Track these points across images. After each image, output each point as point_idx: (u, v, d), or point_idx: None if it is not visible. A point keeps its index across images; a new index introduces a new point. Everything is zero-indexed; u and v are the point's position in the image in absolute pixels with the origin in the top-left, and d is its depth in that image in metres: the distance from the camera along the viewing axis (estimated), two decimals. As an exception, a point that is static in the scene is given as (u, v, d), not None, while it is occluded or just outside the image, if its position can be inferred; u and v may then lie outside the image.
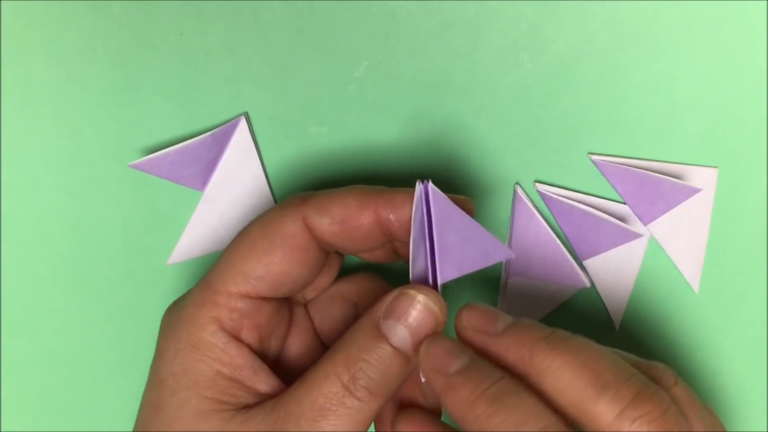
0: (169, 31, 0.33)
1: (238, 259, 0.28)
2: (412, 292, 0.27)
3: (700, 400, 0.27)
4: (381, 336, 0.26)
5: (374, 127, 0.34)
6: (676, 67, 0.33)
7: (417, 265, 0.28)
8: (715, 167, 0.34)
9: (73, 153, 0.34)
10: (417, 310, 0.26)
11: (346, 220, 0.28)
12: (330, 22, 0.33)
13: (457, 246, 0.27)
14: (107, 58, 0.33)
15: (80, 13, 0.33)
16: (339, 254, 0.32)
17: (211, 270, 0.29)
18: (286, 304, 0.31)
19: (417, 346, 0.26)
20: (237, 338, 0.28)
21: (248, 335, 0.29)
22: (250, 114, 0.34)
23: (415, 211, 0.27)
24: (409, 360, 0.26)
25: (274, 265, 0.28)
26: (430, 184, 0.27)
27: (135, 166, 0.32)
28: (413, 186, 0.34)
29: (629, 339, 0.35)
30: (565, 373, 0.24)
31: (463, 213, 0.27)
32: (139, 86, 0.33)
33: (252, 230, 0.29)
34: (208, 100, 0.34)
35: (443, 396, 0.26)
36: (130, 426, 0.37)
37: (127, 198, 0.34)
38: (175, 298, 0.36)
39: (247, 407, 0.27)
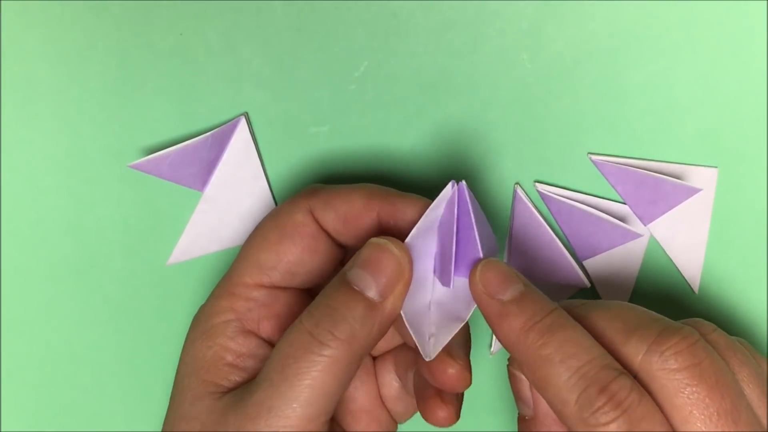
0: (169, 31, 0.33)
1: (252, 251, 0.29)
2: (374, 239, 0.27)
3: (741, 345, 0.27)
4: (345, 282, 0.27)
5: (374, 127, 0.34)
6: (676, 67, 0.33)
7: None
8: (715, 167, 0.34)
9: (73, 153, 0.34)
10: (376, 252, 0.27)
11: (349, 217, 0.29)
12: (330, 22, 0.33)
13: (485, 242, 0.28)
14: (107, 58, 0.33)
15: (80, 13, 0.33)
16: None
17: (231, 265, 0.30)
18: (307, 297, 0.31)
19: (383, 291, 0.26)
20: (252, 330, 0.29)
21: (268, 326, 0.29)
22: (250, 114, 0.34)
23: (443, 210, 0.28)
24: (375, 305, 0.26)
25: (286, 254, 0.29)
26: (465, 184, 0.27)
27: (135, 167, 0.32)
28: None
29: (629, 339, 0.35)
30: (597, 326, 0.26)
31: (483, 216, 0.28)
32: (139, 86, 0.33)
33: (265, 223, 0.30)
34: (208, 100, 0.34)
35: (496, 322, 0.27)
36: (130, 426, 0.37)
37: (127, 198, 0.34)
38: (174, 298, 0.36)
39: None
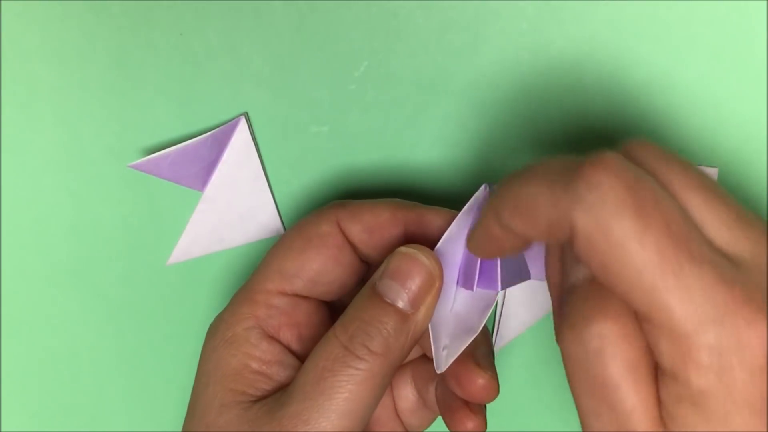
0: (169, 31, 0.33)
1: (275, 258, 0.29)
2: (403, 248, 0.27)
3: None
4: (376, 294, 0.27)
5: (374, 127, 0.34)
6: (676, 67, 0.33)
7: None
8: (715, 167, 0.34)
9: (73, 153, 0.34)
10: (406, 262, 0.27)
11: (375, 229, 0.29)
12: (330, 22, 0.33)
13: (508, 258, 0.28)
14: (107, 58, 0.33)
15: (80, 13, 0.33)
16: None
17: (252, 273, 0.30)
18: (327, 308, 0.31)
19: (414, 302, 0.26)
20: (273, 337, 0.29)
21: (287, 333, 0.29)
22: (250, 114, 0.34)
23: (474, 213, 0.28)
24: (407, 316, 0.26)
25: (310, 262, 0.29)
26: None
27: (135, 167, 0.32)
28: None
29: (629, 339, 0.35)
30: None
31: None
32: (139, 86, 0.33)
33: (290, 232, 0.30)
34: (208, 100, 0.34)
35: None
36: (130, 426, 0.37)
37: (127, 198, 0.34)
38: (175, 298, 0.36)
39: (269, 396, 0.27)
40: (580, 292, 0.23)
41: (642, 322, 0.21)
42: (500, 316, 0.35)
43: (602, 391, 0.21)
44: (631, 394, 0.21)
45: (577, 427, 0.36)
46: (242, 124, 0.33)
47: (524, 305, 0.35)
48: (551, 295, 0.26)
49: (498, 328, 0.35)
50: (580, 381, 0.22)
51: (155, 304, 0.36)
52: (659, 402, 0.21)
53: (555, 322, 0.26)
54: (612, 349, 0.21)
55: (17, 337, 0.36)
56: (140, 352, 0.36)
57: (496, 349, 0.35)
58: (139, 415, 0.37)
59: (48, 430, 0.37)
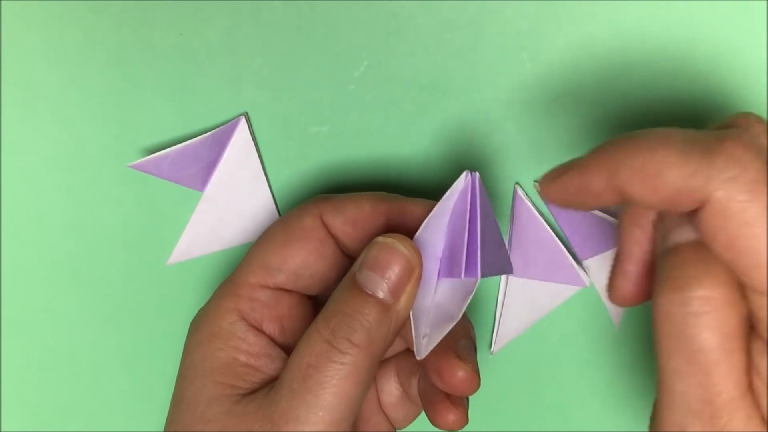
0: (169, 31, 0.33)
1: (258, 252, 0.29)
2: (380, 238, 0.27)
3: None
4: (355, 285, 0.27)
5: (374, 127, 0.34)
6: (676, 67, 0.33)
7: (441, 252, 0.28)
8: (715, 167, 0.34)
9: (73, 153, 0.34)
10: (384, 252, 0.27)
11: (358, 221, 0.29)
12: (330, 22, 0.33)
13: (488, 247, 0.27)
14: (107, 58, 0.33)
15: (80, 13, 0.33)
16: None
17: (235, 268, 0.30)
18: (309, 302, 0.31)
19: (394, 291, 0.26)
20: (257, 328, 0.29)
21: (270, 326, 0.29)
22: (250, 114, 0.34)
23: (454, 201, 0.27)
24: (388, 307, 0.26)
25: (292, 256, 0.29)
26: (478, 175, 0.27)
27: (135, 167, 0.32)
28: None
29: (629, 338, 0.35)
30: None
31: (494, 216, 0.28)
32: (139, 86, 0.33)
33: (273, 226, 0.30)
34: (208, 100, 0.34)
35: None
36: (130, 426, 0.37)
37: (127, 198, 0.34)
38: (174, 298, 0.36)
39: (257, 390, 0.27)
40: (685, 254, 0.23)
41: (751, 293, 0.21)
42: (500, 316, 0.35)
43: (695, 353, 0.21)
44: (726, 360, 0.21)
45: (577, 426, 0.36)
46: (242, 124, 0.33)
47: (524, 305, 0.35)
48: (619, 256, 0.26)
49: (498, 329, 0.35)
50: (672, 340, 0.22)
51: (155, 304, 0.36)
52: (750, 371, 0.21)
53: (613, 282, 0.26)
54: (714, 314, 0.21)
55: (17, 336, 0.36)
56: (140, 351, 0.36)
57: (495, 350, 0.35)
58: (139, 415, 0.37)
59: (48, 430, 0.37)
